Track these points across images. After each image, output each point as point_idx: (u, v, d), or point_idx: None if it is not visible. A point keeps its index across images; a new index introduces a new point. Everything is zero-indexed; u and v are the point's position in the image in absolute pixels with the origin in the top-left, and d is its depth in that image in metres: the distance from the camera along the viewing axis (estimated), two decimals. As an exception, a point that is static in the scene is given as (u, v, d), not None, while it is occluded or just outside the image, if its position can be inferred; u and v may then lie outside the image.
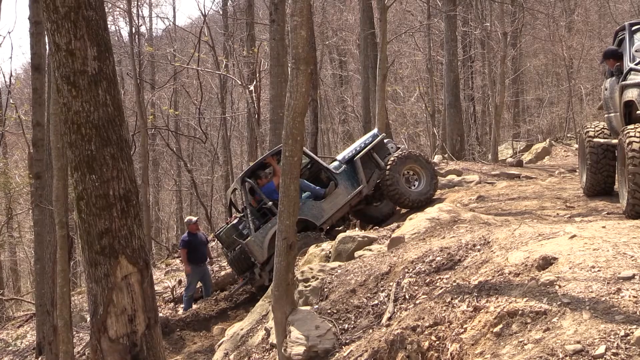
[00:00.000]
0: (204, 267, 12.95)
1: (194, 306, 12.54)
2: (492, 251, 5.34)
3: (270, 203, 10.66)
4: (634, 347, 3.27)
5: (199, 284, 13.01)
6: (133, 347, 3.92)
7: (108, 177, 3.90)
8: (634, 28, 8.20)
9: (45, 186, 11.23)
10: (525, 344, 3.68)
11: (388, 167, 10.91)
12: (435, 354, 4.50)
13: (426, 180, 11.18)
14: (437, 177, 11.68)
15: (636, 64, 7.59)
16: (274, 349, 6.26)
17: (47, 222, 10.97)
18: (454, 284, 5.10)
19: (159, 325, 4.11)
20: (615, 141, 7.97)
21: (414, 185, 11.17)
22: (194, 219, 13.30)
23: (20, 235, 24.54)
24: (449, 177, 13.81)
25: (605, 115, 8.83)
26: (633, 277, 3.94)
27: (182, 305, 12.96)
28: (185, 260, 12.66)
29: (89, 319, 4.47)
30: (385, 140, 11.82)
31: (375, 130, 12.46)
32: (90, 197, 3.89)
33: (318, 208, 10.88)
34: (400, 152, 11.44)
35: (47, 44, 9.48)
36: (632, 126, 7.00)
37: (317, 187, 11.19)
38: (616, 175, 8.26)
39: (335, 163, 11.56)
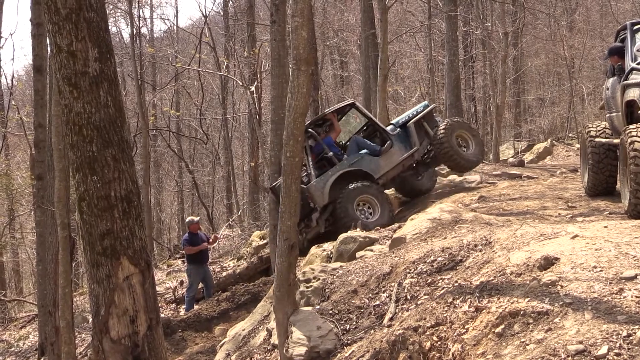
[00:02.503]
0: (206, 267, 12.99)
1: (196, 307, 12.55)
2: (493, 251, 5.33)
3: (331, 153, 11.45)
4: (636, 347, 3.26)
5: (201, 285, 13.03)
6: (135, 347, 3.92)
7: (109, 178, 3.89)
8: (635, 27, 8.19)
9: (47, 187, 11.23)
10: (527, 344, 3.68)
11: (442, 130, 11.75)
12: (437, 355, 4.50)
13: (474, 146, 12.19)
14: (483, 145, 12.81)
15: (638, 64, 7.58)
16: (275, 350, 6.26)
17: (49, 223, 10.96)
18: (456, 284, 5.09)
19: (160, 326, 4.11)
20: (617, 141, 7.96)
21: (464, 149, 12.06)
22: (196, 219, 13.34)
23: (23, 237, 24.54)
24: (450, 177, 13.80)
25: (607, 115, 8.81)
26: (635, 277, 3.93)
27: (183, 306, 12.97)
28: (193, 250, 12.58)
29: (90, 320, 4.47)
30: (434, 113, 12.72)
31: (426, 102, 13.55)
32: (92, 198, 3.88)
33: (375, 163, 11.54)
34: (452, 119, 12.58)
35: (48, 45, 9.49)
36: (633, 126, 6.99)
37: (374, 144, 11.85)
38: (618, 175, 8.25)
39: (390, 127, 12.28)
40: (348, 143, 12.37)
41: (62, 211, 7.93)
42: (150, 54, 25.59)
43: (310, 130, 11.51)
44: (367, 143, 11.88)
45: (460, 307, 4.59)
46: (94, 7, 3.86)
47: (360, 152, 11.70)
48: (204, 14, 26.90)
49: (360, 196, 10.91)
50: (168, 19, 55.53)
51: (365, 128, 12.72)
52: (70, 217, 8.34)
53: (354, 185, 10.93)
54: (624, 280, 3.93)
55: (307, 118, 14.32)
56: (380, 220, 10.65)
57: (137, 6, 27.74)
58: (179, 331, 11.47)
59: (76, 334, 10.40)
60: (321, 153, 11.66)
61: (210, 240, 13.65)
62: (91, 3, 3.84)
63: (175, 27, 35.91)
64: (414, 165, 12.26)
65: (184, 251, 13.61)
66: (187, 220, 13.86)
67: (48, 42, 7.14)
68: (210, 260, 14.18)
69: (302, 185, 10.99)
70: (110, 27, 4.25)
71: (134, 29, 23.02)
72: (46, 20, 3.89)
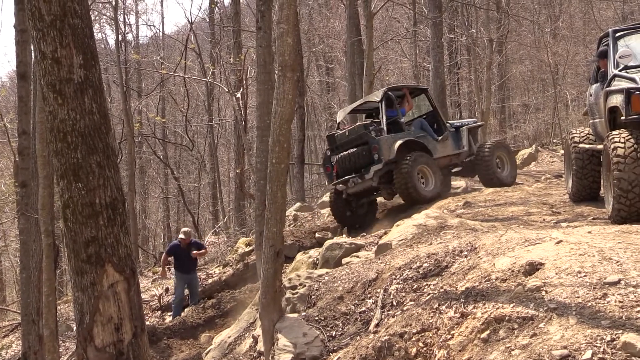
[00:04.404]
0: (192, 274, 12.83)
1: (182, 314, 12.48)
2: (479, 257, 5.35)
3: (403, 120, 12.30)
4: (620, 352, 3.29)
5: (186, 292, 12.93)
6: (119, 355, 3.89)
7: (94, 185, 3.87)
8: (617, 34, 8.26)
9: (31, 194, 11.12)
10: (513, 350, 3.69)
11: (487, 149, 12.58)
12: (423, 360, 4.50)
13: (510, 167, 12.97)
14: (516, 169, 13.61)
15: (620, 70, 7.65)
16: (261, 357, 6.25)
17: (33, 230, 10.86)
18: (441, 290, 5.11)
19: (145, 333, 4.08)
20: (600, 147, 8.02)
21: (499, 170, 12.80)
22: (189, 237, 12.95)
23: (6, 244, 24.34)
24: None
25: (591, 121, 8.88)
26: (619, 282, 3.96)
27: (169, 313, 12.89)
28: (164, 263, 12.73)
29: (75, 328, 4.43)
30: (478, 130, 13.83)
31: (475, 118, 15.04)
32: (77, 205, 3.86)
33: (434, 145, 12.24)
34: (495, 140, 13.56)
35: (32, 52, 9.43)
36: (616, 132, 7.04)
37: (434, 133, 12.51)
38: (602, 181, 8.31)
39: (447, 124, 13.09)
40: (407, 122, 12.94)
41: (46, 218, 7.88)
42: (136, 61, 25.52)
43: (390, 93, 12.14)
44: (429, 129, 12.49)
45: (446, 313, 4.60)
46: (79, 14, 3.84)
47: (422, 134, 12.36)
48: (190, 20, 26.89)
49: (421, 165, 11.48)
50: (154, 26, 55.32)
51: (425, 116, 13.30)
52: (54, 225, 8.28)
53: (420, 153, 11.60)
54: (607, 285, 3.96)
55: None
56: (433, 191, 11.43)
57: (122, 12, 27.63)
58: (165, 339, 11.40)
59: (60, 342, 10.33)
60: (392, 117, 12.14)
61: (201, 252, 13.26)
62: (76, 9, 3.83)
63: (160, 33, 35.82)
64: (451, 166, 12.81)
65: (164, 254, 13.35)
66: (184, 230, 13.38)
67: (32, 49, 7.10)
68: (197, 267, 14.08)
69: (372, 137, 11.62)
70: (95, 34, 4.23)
71: (119, 35, 22.96)
72: (30, 26, 3.87)
